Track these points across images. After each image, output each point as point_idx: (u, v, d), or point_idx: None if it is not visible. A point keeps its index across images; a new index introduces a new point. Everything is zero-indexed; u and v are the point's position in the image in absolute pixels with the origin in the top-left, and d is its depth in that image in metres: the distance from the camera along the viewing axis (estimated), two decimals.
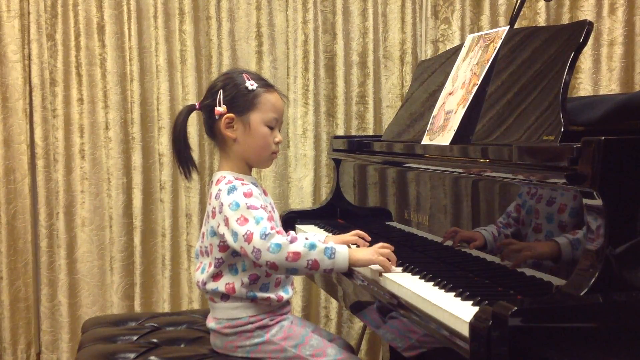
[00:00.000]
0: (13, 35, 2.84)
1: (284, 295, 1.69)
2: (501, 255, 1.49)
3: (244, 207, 1.57)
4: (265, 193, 1.73)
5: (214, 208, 1.64)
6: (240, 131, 1.66)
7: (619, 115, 1.53)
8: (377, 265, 1.62)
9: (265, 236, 1.53)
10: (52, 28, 2.86)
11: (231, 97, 1.66)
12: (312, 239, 1.60)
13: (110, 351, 1.73)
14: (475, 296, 1.33)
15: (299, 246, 1.54)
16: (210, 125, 1.69)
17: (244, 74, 1.69)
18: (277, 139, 1.70)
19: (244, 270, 1.63)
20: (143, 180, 2.89)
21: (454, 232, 1.68)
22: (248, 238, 1.54)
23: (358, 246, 1.80)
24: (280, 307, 1.70)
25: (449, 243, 1.69)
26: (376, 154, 2.19)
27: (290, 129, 2.91)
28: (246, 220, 1.56)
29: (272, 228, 1.55)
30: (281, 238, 1.54)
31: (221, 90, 1.66)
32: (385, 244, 1.66)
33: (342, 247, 1.59)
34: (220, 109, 1.65)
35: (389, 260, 1.62)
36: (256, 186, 1.68)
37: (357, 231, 1.86)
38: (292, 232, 1.89)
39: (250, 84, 1.66)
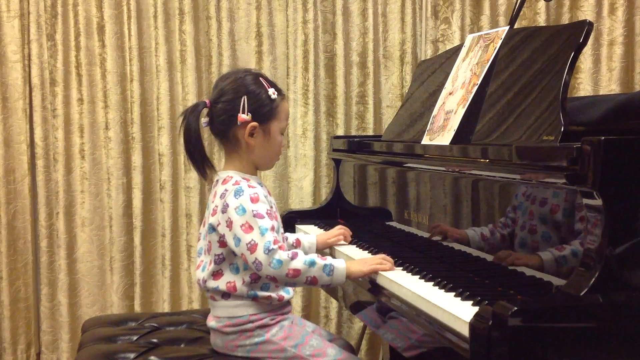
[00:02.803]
0: (13, 35, 2.84)
1: (284, 295, 1.69)
2: (496, 257, 1.49)
3: (250, 214, 1.58)
4: (269, 193, 1.74)
5: (216, 206, 1.64)
6: (260, 139, 1.68)
7: (619, 115, 1.53)
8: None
9: (268, 251, 1.54)
10: (52, 28, 2.86)
11: (255, 105, 1.65)
12: (312, 256, 1.60)
13: (110, 351, 1.73)
14: (475, 296, 1.33)
15: (299, 263, 1.56)
16: (226, 128, 1.68)
17: (261, 79, 1.69)
18: (282, 145, 1.75)
19: (245, 269, 1.63)
20: (143, 180, 2.89)
21: (437, 227, 1.72)
22: (252, 248, 1.55)
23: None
24: (281, 307, 1.70)
25: (437, 238, 1.74)
26: (376, 154, 2.18)
27: (290, 129, 2.90)
28: (251, 228, 1.57)
29: (275, 242, 1.56)
30: (283, 254, 1.55)
31: (245, 97, 1.65)
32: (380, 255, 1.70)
33: (340, 263, 1.61)
34: (245, 116, 1.64)
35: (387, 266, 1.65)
36: (262, 187, 1.69)
37: (340, 227, 1.94)
38: (290, 236, 1.91)
39: (272, 93, 1.67)
